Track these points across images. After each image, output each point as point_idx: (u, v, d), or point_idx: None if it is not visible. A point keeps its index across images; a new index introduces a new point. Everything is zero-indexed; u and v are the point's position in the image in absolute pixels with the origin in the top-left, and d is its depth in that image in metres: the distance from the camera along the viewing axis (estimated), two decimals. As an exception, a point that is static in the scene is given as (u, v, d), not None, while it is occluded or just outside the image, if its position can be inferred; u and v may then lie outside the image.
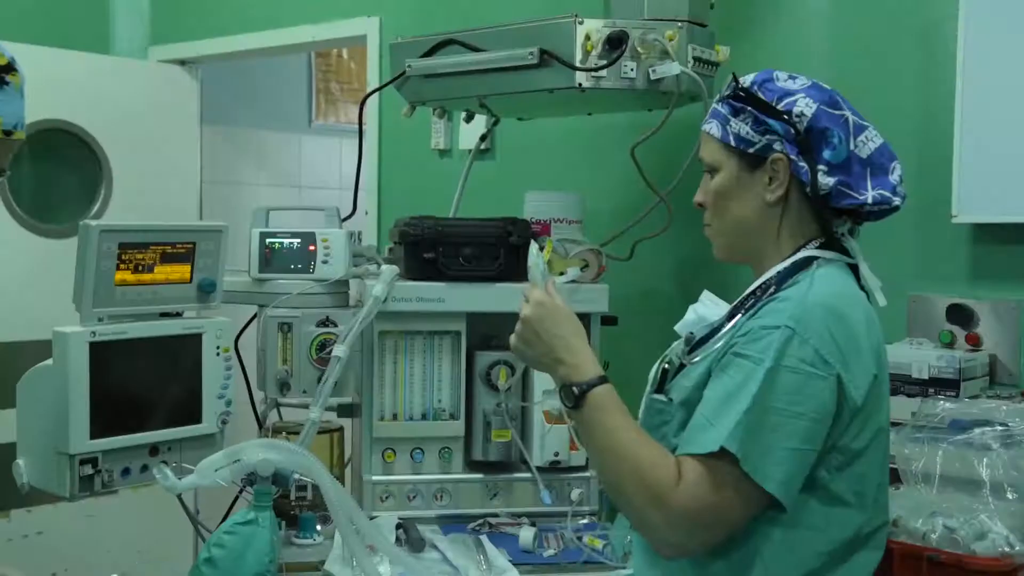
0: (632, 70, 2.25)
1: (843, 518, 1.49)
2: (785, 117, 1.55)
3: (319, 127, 5.10)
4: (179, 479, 1.86)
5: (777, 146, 1.55)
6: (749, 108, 1.57)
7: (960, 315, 2.31)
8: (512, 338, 1.72)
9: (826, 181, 1.54)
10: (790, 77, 1.60)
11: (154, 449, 2.06)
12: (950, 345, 2.28)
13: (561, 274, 2.34)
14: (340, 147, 5.11)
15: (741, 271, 2.50)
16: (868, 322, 1.52)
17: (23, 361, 2.75)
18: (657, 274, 2.76)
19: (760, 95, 1.57)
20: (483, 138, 2.92)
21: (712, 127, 1.63)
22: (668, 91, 2.27)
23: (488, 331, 2.37)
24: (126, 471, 2.01)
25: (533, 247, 1.77)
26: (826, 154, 1.55)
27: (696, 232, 2.64)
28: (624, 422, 1.54)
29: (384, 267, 2.30)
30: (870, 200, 1.56)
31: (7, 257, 3.41)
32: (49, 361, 1.96)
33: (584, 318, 2.39)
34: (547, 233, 2.47)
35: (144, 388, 2.05)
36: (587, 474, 2.36)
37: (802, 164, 1.54)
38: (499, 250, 2.33)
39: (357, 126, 2.77)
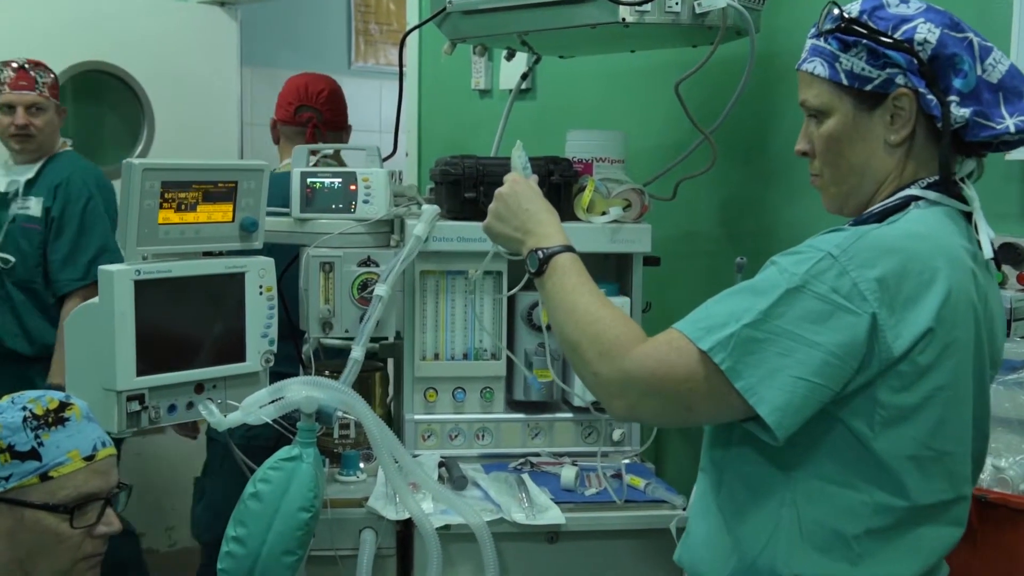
0: (676, 4, 2.19)
1: (892, 483, 1.38)
2: (906, 46, 1.40)
3: (358, 68, 5.08)
4: (224, 416, 1.89)
5: (900, 80, 1.41)
6: (863, 41, 1.42)
7: (1012, 254, 2.25)
8: (486, 219, 1.78)
9: (960, 112, 1.41)
10: (901, 1, 1.44)
11: (199, 386, 2.07)
12: (1002, 284, 2.24)
13: (603, 213, 2.32)
14: (379, 89, 5.08)
15: (787, 212, 2.48)
16: (950, 275, 1.36)
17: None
18: (700, 214, 2.72)
19: (873, 24, 1.42)
20: (524, 77, 2.88)
21: (815, 66, 1.47)
22: (713, 25, 2.21)
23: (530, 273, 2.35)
24: (172, 408, 2.04)
25: (518, 143, 1.86)
26: (956, 83, 1.41)
27: (740, 171, 2.62)
28: (587, 286, 1.56)
29: (425, 207, 2.29)
30: (1012, 128, 1.41)
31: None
32: (95, 299, 1.98)
33: (626, 258, 2.39)
34: (589, 172, 2.44)
35: (188, 326, 2.06)
36: (629, 414, 2.36)
37: (930, 97, 1.40)
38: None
39: (396, 67, 2.74)
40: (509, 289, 2.32)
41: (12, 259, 3.27)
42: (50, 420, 1.62)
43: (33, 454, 1.59)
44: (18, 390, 2.69)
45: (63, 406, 1.65)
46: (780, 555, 1.43)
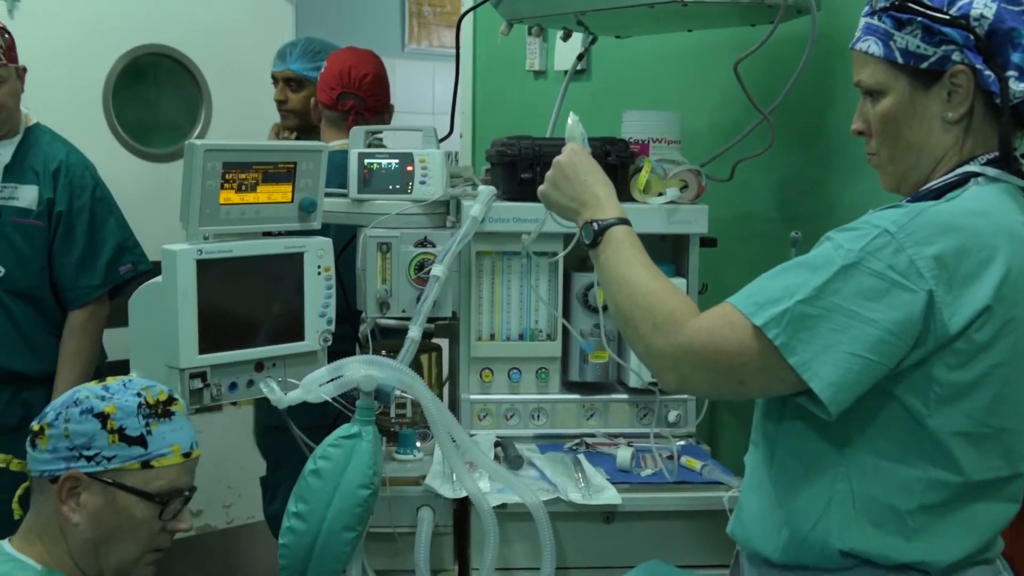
0: (736, -17, 2.17)
1: (947, 460, 1.38)
2: (962, 22, 1.38)
3: (412, 51, 5.09)
4: (284, 394, 1.92)
5: (956, 56, 1.40)
6: (917, 18, 1.41)
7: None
8: (542, 185, 1.80)
9: (1020, 87, 1.39)
10: None
11: (259, 365, 2.10)
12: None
13: (660, 194, 2.31)
14: (432, 71, 5.09)
15: (845, 193, 2.45)
16: (1010, 253, 1.35)
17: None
18: (758, 195, 2.70)
19: (927, 1, 1.41)
20: (580, 57, 2.87)
21: (869, 45, 1.46)
22: (774, 4, 2.19)
23: (585, 252, 2.35)
24: (233, 385, 2.07)
25: (572, 115, 1.86)
26: (1015, 57, 1.39)
27: (799, 152, 2.59)
28: (642, 259, 1.57)
29: (481, 187, 2.30)
30: None
31: (112, 180, 3.47)
32: (158, 278, 2.01)
33: (683, 240, 2.38)
34: (645, 153, 2.43)
35: (248, 305, 2.08)
36: (685, 396, 2.36)
37: (988, 73, 1.38)
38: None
39: (449, 50, 2.76)
40: (564, 271, 2.33)
41: (1, 268, 2.71)
42: (159, 411, 1.66)
43: (141, 440, 1.62)
44: (12, 416, 2.69)
45: (170, 400, 1.69)
46: (834, 529, 1.44)
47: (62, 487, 1.59)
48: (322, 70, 3.10)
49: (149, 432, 1.63)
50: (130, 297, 2.09)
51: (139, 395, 1.65)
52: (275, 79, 3.29)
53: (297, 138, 3.39)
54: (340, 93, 2.98)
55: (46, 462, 1.60)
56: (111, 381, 1.67)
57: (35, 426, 1.62)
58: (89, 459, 1.59)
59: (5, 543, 1.62)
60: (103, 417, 1.60)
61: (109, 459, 1.60)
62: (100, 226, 2.82)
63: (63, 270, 2.77)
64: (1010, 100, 1.39)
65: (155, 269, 2.72)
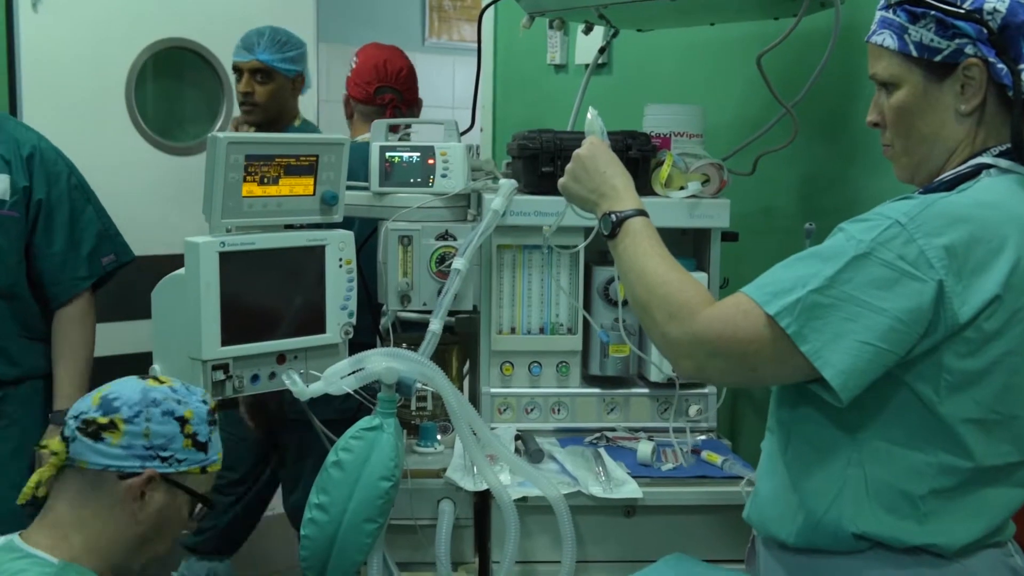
0: (760, -25, 2.17)
1: (957, 446, 1.41)
2: (976, 16, 1.40)
3: (432, 44, 5.09)
4: (306, 386, 1.93)
5: (969, 49, 1.42)
6: (931, 12, 1.43)
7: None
8: (562, 178, 1.84)
9: None
10: None
11: (281, 357, 2.11)
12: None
13: (681, 188, 2.31)
14: (452, 65, 5.09)
15: (868, 188, 2.43)
16: (1019, 243, 1.38)
17: (151, 275, 2.83)
18: (780, 190, 2.69)
19: None
20: (602, 51, 2.87)
21: (884, 38, 1.48)
22: (797, -3, 2.18)
23: (606, 246, 2.35)
24: (255, 377, 2.08)
25: (591, 109, 1.88)
26: None
27: (821, 146, 2.58)
28: (659, 250, 1.61)
29: (502, 181, 2.30)
30: None
31: (135, 174, 3.50)
32: (181, 271, 2.02)
33: (704, 234, 2.37)
34: (667, 147, 2.42)
35: (270, 298, 2.09)
36: (705, 390, 2.35)
37: (1001, 66, 1.40)
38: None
39: (469, 44, 2.76)
40: (585, 265, 2.32)
41: None
42: (214, 419, 1.70)
43: (204, 447, 1.67)
44: None
45: (215, 409, 1.72)
46: (847, 513, 1.47)
47: (138, 484, 1.60)
48: (355, 65, 3.10)
49: (210, 439, 1.68)
50: (108, 290, 2.06)
51: (204, 402, 1.69)
52: (239, 70, 3.12)
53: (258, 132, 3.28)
54: (377, 87, 3.00)
55: (117, 457, 1.60)
56: (169, 383, 1.69)
57: (100, 419, 1.60)
58: (164, 460, 1.62)
59: (15, 538, 1.60)
60: (183, 421, 1.64)
61: (180, 461, 1.64)
62: (80, 215, 2.62)
63: (46, 262, 2.56)
64: (1022, 93, 1.41)
65: (136, 261, 2.69)
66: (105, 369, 2.35)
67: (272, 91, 3.11)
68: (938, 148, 1.49)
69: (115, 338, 3.20)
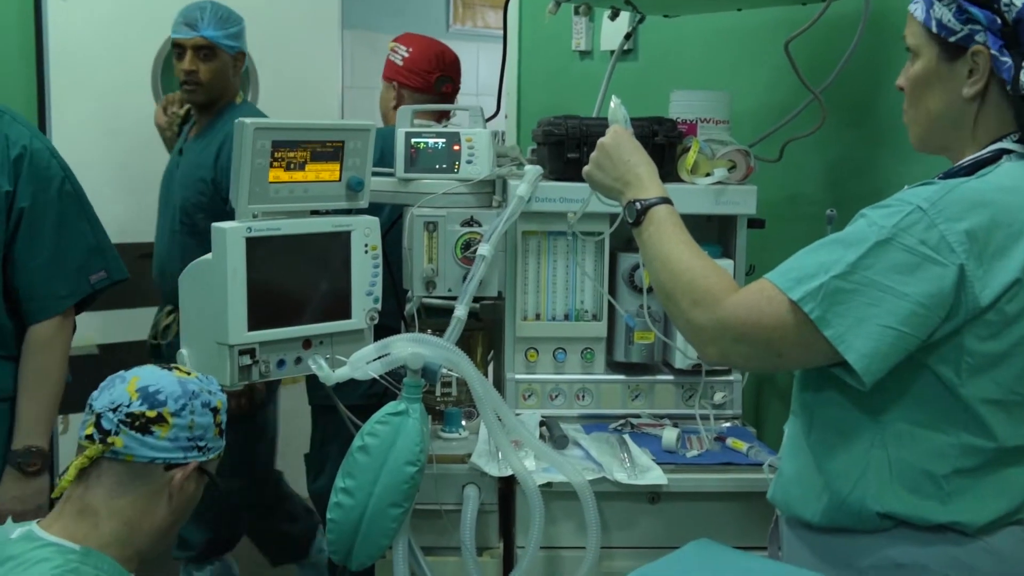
0: (788, -40, 2.15)
1: (979, 427, 1.43)
2: (994, 6, 1.43)
3: (456, 31, 5.09)
4: (332, 371, 1.93)
5: (979, 37, 1.44)
6: None
7: None
8: (587, 166, 1.85)
9: None
10: None
11: (307, 342, 2.12)
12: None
13: (707, 175, 2.30)
14: (477, 51, 5.08)
15: (896, 175, 2.41)
16: None
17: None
18: (807, 176, 2.67)
19: None
20: (628, 37, 2.86)
21: (917, 9, 1.52)
22: (825, -18, 2.17)
23: (631, 233, 2.34)
24: (281, 362, 2.08)
25: (614, 98, 1.89)
26: None
27: (849, 133, 2.56)
28: (683, 237, 1.62)
29: (527, 167, 2.29)
30: None
31: (161, 161, 3.52)
32: (208, 256, 2.03)
33: (730, 220, 2.36)
34: (693, 133, 2.41)
35: (296, 283, 2.10)
36: (730, 377, 2.34)
37: (1005, 59, 1.43)
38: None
39: (493, 30, 2.76)
40: (611, 251, 2.32)
41: None
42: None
43: (223, 435, 1.72)
44: None
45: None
46: (871, 493, 1.49)
47: (183, 475, 1.64)
48: (409, 54, 3.04)
49: (224, 427, 1.72)
50: (93, 310, 2.02)
51: (223, 391, 1.74)
52: (181, 47, 2.98)
53: (188, 112, 3.21)
54: (439, 76, 3.01)
55: (164, 450, 1.62)
56: (195, 375, 1.71)
57: (148, 412, 1.61)
58: (200, 449, 1.66)
59: (35, 526, 1.60)
60: (216, 412, 1.69)
61: (211, 450, 1.68)
62: (69, 225, 2.32)
63: (25, 275, 2.26)
64: (1020, 90, 1.43)
65: (130, 280, 2.46)
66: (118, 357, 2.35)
67: (216, 69, 3.01)
68: (938, 124, 1.52)
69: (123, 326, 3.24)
